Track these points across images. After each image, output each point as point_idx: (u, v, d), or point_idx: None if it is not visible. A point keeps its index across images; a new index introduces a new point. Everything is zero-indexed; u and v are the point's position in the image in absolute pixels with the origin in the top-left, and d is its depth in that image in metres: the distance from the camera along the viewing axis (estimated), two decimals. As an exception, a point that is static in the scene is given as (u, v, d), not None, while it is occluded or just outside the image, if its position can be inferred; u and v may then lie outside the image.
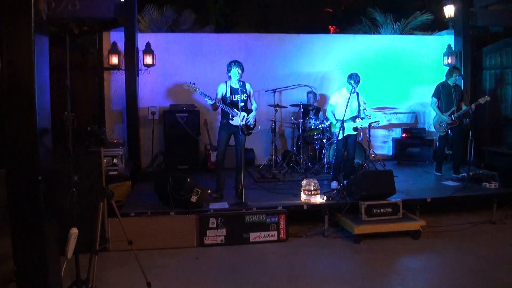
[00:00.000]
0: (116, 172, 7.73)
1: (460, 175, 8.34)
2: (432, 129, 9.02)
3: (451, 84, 8.45)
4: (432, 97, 8.67)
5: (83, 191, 5.00)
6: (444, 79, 8.63)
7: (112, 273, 5.22)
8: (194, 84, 6.70)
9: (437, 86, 8.64)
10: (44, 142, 3.49)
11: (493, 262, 5.47)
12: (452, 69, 8.60)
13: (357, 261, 5.65)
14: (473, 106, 8.15)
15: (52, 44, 3.83)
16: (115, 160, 7.74)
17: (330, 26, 19.59)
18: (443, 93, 8.52)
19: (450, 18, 10.82)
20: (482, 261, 5.51)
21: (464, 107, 8.41)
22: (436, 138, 10.25)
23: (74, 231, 4.00)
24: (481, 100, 8.25)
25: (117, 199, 6.77)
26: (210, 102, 6.70)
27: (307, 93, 9.73)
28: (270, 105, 9.39)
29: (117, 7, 8.92)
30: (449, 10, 10.73)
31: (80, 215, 4.67)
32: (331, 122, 7.70)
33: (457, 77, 8.45)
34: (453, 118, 8.34)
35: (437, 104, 8.57)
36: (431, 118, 9.62)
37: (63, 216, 5.03)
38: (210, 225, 6.05)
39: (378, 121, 8.38)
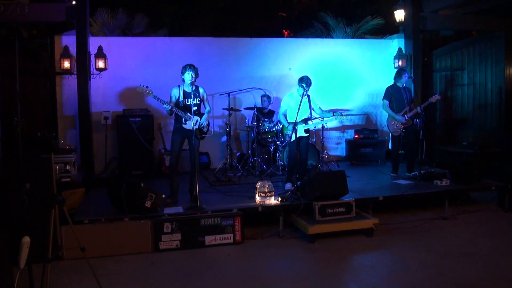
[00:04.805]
0: (69, 179, 7.61)
1: (412, 174, 8.55)
2: (385, 129, 9.20)
3: (401, 86, 8.66)
4: (383, 99, 8.82)
5: (34, 198, 4.90)
6: (393, 82, 8.83)
7: (66, 281, 5.11)
8: (147, 87, 6.64)
9: (387, 89, 8.80)
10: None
11: (445, 257, 5.64)
12: (400, 71, 8.81)
13: (312, 260, 5.72)
14: (422, 106, 8.37)
15: (3, 48, 3.77)
16: (67, 167, 7.61)
17: (284, 30, 19.83)
18: (393, 95, 8.67)
19: (401, 22, 11.11)
20: (435, 256, 5.67)
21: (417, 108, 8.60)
22: (388, 138, 10.53)
23: (26, 240, 3.94)
24: (432, 99, 8.48)
25: (71, 206, 6.69)
26: (168, 107, 6.65)
27: (261, 96, 9.78)
28: (224, 109, 9.41)
29: (69, 10, 8.74)
30: (399, 15, 11.04)
31: (32, 224, 4.60)
32: (283, 125, 7.78)
33: (406, 78, 8.64)
34: (407, 118, 8.51)
35: (388, 105, 8.74)
36: (384, 119, 9.83)
37: (14, 225, 4.95)
38: (165, 230, 6.00)
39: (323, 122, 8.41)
